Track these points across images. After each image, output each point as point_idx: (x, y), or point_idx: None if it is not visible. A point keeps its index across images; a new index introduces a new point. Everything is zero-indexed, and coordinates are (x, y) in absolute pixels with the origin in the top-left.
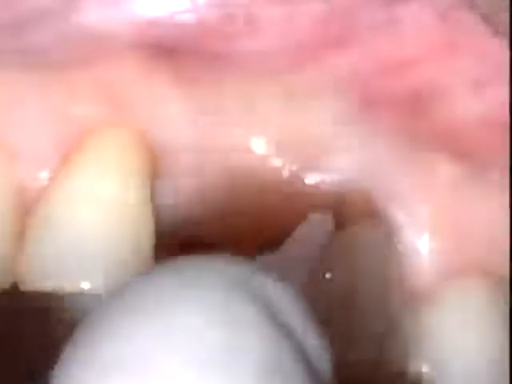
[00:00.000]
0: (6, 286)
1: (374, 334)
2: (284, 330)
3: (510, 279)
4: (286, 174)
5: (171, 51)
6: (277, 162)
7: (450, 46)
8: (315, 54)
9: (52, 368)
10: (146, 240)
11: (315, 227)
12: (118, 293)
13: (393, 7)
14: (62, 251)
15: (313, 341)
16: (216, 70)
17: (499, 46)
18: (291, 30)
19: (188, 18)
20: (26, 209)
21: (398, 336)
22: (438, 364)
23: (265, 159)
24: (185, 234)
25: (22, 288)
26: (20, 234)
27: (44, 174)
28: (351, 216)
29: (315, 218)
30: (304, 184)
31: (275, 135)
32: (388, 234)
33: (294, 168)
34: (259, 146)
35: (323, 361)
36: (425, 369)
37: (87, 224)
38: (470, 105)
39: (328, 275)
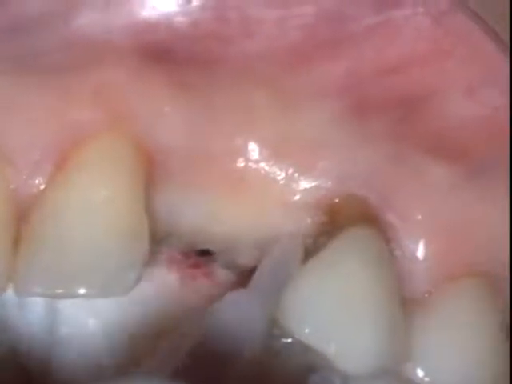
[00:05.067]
0: (2, 290)
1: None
2: None
3: (510, 280)
4: (281, 178)
5: (165, 55)
6: (272, 167)
7: (443, 49)
8: (308, 58)
9: None
10: (142, 245)
11: (285, 252)
12: None
13: (386, 11)
14: (57, 257)
15: None
16: (210, 73)
17: (492, 48)
18: (284, 33)
19: (182, 20)
20: (21, 215)
21: (394, 339)
22: (432, 369)
23: (260, 163)
24: (181, 239)
25: (17, 293)
26: (15, 240)
27: (39, 180)
28: (346, 221)
29: (285, 242)
30: (299, 188)
31: (270, 139)
32: (385, 239)
33: (290, 172)
34: (254, 150)
35: None
36: (420, 374)
37: (82, 230)
38: (464, 108)
39: None
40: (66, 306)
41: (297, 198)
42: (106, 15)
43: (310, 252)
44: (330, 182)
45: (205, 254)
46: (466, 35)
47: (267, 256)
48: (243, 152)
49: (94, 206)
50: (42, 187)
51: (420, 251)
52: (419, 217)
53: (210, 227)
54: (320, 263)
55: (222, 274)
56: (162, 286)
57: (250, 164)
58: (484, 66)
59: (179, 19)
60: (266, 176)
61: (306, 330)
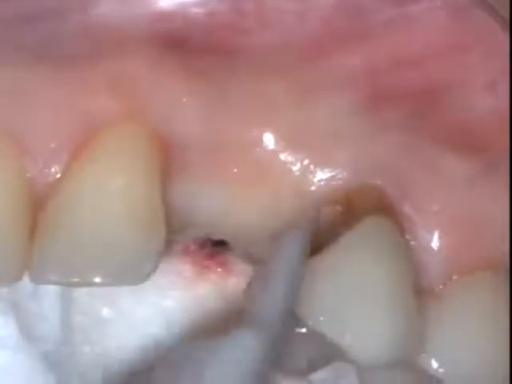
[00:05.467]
0: (19, 278)
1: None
2: None
3: (511, 277)
4: (297, 169)
5: (182, 45)
6: (288, 158)
7: (461, 42)
8: (326, 50)
9: None
10: (157, 235)
11: (292, 244)
12: None
13: (404, 4)
14: (72, 245)
15: None
16: (227, 64)
17: (508, 41)
18: (302, 24)
19: (198, 11)
20: (38, 203)
21: (409, 330)
22: (446, 361)
23: (276, 154)
24: (197, 229)
25: (33, 281)
26: (31, 228)
27: (55, 169)
28: (362, 211)
29: (291, 234)
30: (315, 179)
31: (286, 130)
32: (400, 230)
33: (306, 163)
34: (270, 141)
35: None
36: (434, 365)
37: (98, 218)
38: (481, 101)
39: None
40: (81, 295)
41: (313, 188)
42: (125, 4)
43: (325, 242)
44: (345, 173)
45: (220, 244)
46: (483, 29)
47: (271, 250)
48: (259, 143)
49: (109, 195)
50: (58, 176)
51: (435, 242)
52: (435, 208)
53: (225, 217)
54: (335, 253)
55: (237, 265)
56: (177, 275)
57: (265, 155)
58: (501, 60)
59: (195, 10)
60: (281, 166)
61: (321, 319)
